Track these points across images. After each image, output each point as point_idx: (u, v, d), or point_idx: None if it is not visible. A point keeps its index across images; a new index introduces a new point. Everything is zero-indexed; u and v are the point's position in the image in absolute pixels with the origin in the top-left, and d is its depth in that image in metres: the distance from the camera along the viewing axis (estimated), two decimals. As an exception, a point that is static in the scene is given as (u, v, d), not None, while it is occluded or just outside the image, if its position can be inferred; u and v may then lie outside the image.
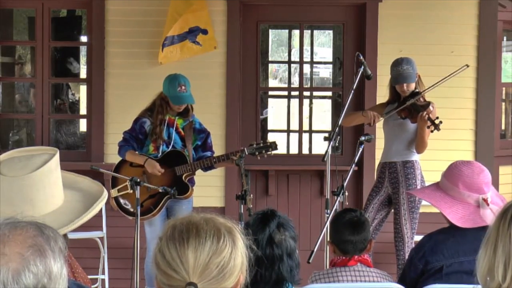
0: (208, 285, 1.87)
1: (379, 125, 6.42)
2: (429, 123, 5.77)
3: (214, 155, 5.96)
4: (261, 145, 5.83)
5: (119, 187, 5.86)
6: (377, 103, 6.80)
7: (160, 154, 5.89)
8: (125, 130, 6.00)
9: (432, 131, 5.82)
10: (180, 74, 5.94)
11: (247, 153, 5.77)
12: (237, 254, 1.93)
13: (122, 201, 5.93)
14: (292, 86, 7.99)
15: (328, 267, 3.96)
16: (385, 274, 3.83)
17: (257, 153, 5.82)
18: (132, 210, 5.84)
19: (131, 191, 5.80)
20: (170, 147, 5.91)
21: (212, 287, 1.87)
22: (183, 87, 5.83)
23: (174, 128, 5.93)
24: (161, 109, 5.88)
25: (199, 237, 1.90)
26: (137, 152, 5.91)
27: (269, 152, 5.86)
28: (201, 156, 5.98)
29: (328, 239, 4.02)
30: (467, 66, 6.02)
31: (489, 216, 3.58)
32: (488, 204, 3.64)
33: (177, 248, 1.89)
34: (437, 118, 5.79)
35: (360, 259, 3.80)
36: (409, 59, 6.00)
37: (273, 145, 5.85)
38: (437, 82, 5.97)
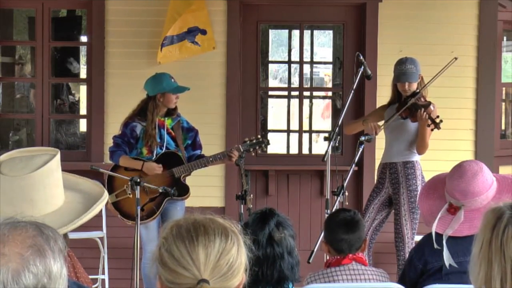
0: (219, 282, 1.88)
1: (379, 125, 6.42)
2: (429, 121, 5.77)
3: (208, 154, 5.96)
4: (254, 141, 5.88)
5: (116, 192, 5.85)
6: (377, 103, 6.81)
7: (155, 157, 5.89)
8: (115, 135, 5.98)
9: (432, 130, 5.81)
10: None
11: (242, 150, 5.80)
12: (242, 252, 1.94)
13: (120, 210, 5.92)
14: (292, 86, 7.99)
15: (324, 268, 3.95)
16: (380, 271, 3.83)
17: (251, 149, 5.87)
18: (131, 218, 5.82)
19: (130, 195, 5.80)
20: (164, 148, 5.92)
21: (221, 284, 1.88)
22: (174, 79, 5.93)
23: (165, 130, 5.93)
24: (156, 111, 5.87)
25: (208, 235, 1.91)
26: (129, 157, 5.88)
27: (262, 147, 5.92)
28: (191, 155, 5.99)
29: (322, 239, 4.02)
30: (456, 58, 6.01)
31: (451, 223, 3.61)
32: (451, 213, 3.66)
33: (187, 246, 1.89)
34: (438, 117, 5.79)
35: (354, 257, 3.80)
36: (413, 59, 6.01)
37: (265, 141, 5.91)
38: (430, 81, 5.97)
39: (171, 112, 5.96)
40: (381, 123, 6.07)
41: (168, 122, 5.95)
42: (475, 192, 3.63)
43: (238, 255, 1.92)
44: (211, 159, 5.86)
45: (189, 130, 6.03)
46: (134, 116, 5.94)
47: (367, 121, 6.00)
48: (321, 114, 12.04)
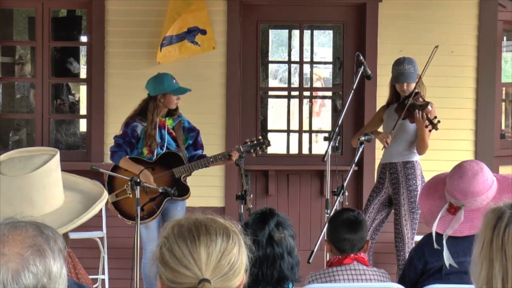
0: (220, 282, 1.87)
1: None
2: (427, 122, 5.76)
3: (208, 154, 5.96)
4: (255, 142, 5.89)
5: (117, 191, 5.85)
6: (377, 103, 6.81)
7: (155, 157, 5.89)
8: (116, 135, 5.98)
9: (430, 131, 5.81)
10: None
11: (242, 151, 5.80)
12: (243, 252, 1.94)
13: (121, 209, 5.91)
14: (292, 86, 7.99)
15: (325, 267, 3.96)
16: (382, 272, 3.83)
17: (252, 150, 5.87)
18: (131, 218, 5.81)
19: (130, 195, 5.80)
20: (164, 148, 5.92)
21: (223, 284, 1.88)
22: (175, 79, 5.93)
23: (166, 130, 5.93)
24: (156, 111, 5.87)
25: (209, 235, 1.91)
26: (128, 158, 5.88)
27: (263, 148, 5.91)
28: (193, 155, 5.99)
29: (325, 238, 4.02)
30: (437, 47, 6.00)
31: (451, 223, 3.61)
32: (451, 213, 3.66)
33: (188, 245, 1.89)
34: (435, 117, 5.79)
35: (356, 257, 3.80)
36: (411, 59, 6.01)
37: (267, 142, 5.91)
38: (421, 73, 5.96)
39: (172, 113, 5.97)
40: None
41: (169, 122, 5.96)
42: (475, 192, 3.63)
43: (239, 255, 1.92)
44: (211, 159, 5.86)
45: (190, 130, 6.03)
46: (135, 116, 5.95)
47: (376, 133, 6.02)
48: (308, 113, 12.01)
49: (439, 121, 5.75)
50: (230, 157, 5.82)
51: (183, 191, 5.89)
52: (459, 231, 3.62)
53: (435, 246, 3.61)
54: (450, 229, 3.62)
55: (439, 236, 3.63)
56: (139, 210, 5.41)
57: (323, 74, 12.44)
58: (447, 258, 3.58)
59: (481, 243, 2.13)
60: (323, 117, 11.84)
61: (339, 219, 3.93)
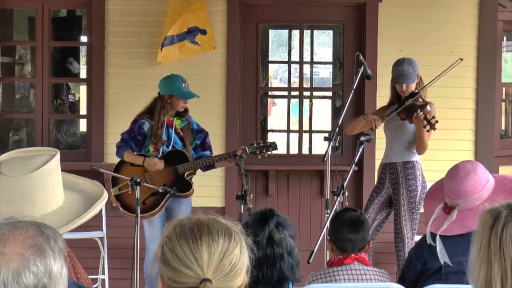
0: (221, 282, 1.87)
1: (379, 125, 6.43)
2: (425, 122, 5.76)
3: (213, 154, 5.98)
4: (262, 144, 5.89)
5: (120, 185, 5.86)
6: (377, 103, 6.81)
7: (161, 154, 5.90)
8: (123, 131, 6.00)
9: (428, 131, 5.81)
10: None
11: (248, 152, 5.80)
12: (244, 252, 1.94)
13: (123, 202, 5.92)
14: (292, 86, 7.99)
15: (325, 267, 3.96)
16: (382, 272, 3.83)
17: (257, 152, 5.88)
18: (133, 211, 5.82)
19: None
20: (170, 147, 5.93)
21: (224, 284, 1.88)
22: (186, 83, 5.93)
23: (173, 129, 5.94)
24: (163, 111, 5.89)
25: (211, 235, 1.91)
26: (134, 152, 5.91)
27: (269, 152, 5.92)
28: (200, 155, 6.00)
29: (327, 237, 4.03)
30: (461, 59, 6.00)
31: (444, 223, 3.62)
32: (446, 212, 3.67)
33: (190, 245, 1.89)
34: (433, 117, 5.78)
35: (357, 257, 3.80)
36: (411, 59, 6.01)
37: (273, 145, 5.93)
38: (433, 80, 5.97)
39: (181, 114, 5.98)
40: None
41: (177, 122, 5.97)
42: (466, 191, 3.64)
43: (241, 255, 1.92)
44: (216, 158, 5.86)
45: (199, 131, 6.05)
46: (143, 114, 5.98)
47: (368, 115, 6.00)
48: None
49: (437, 121, 5.75)
50: (235, 156, 5.82)
51: (186, 188, 5.89)
52: (449, 230, 3.62)
53: (431, 243, 3.62)
54: (443, 228, 3.63)
55: (434, 235, 3.64)
56: (139, 210, 5.41)
57: (324, 74, 12.43)
58: (441, 256, 3.58)
59: (478, 244, 2.13)
60: (323, 117, 11.82)
61: (341, 219, 3.93)
